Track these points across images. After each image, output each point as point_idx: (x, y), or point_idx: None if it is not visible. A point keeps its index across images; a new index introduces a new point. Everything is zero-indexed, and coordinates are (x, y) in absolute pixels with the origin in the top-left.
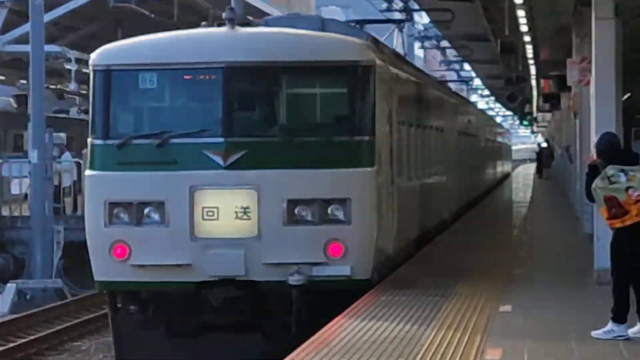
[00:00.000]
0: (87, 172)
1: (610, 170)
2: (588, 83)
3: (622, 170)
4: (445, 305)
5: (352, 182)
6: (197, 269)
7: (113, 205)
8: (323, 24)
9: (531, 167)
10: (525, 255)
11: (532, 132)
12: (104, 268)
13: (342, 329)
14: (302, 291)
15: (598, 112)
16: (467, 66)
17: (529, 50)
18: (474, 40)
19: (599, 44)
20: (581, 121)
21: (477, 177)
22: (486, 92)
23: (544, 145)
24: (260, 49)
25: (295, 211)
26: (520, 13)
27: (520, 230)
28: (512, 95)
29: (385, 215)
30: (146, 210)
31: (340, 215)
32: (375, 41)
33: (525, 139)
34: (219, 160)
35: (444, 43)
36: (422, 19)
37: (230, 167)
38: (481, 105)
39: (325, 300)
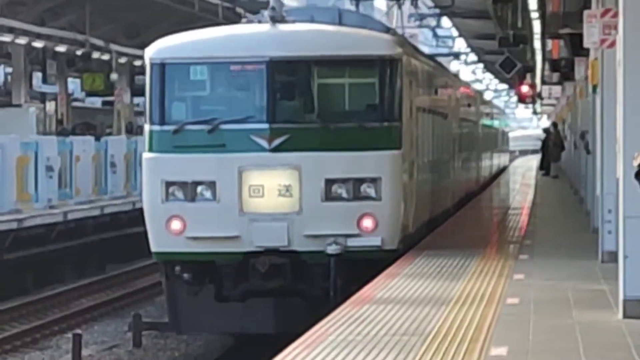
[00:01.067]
0: (145, 155)
1: None
2: (613, 45)
3: None
4: (468, 270)
5: (381, 163)
6: (245, 241)
7: (169, 184)
8: (340, 15)
9: (533, 161)
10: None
11: (535, 113)
12: (160, 240)
13: (379, 290)
14: (338, 260)
15: (628, 85)
16: (446, 21)
17: None
18: None
19: None
20: (603, 97)
21: (457, 175)
22: (472, 57)
23: (551, 129)
24: (300, 45)
25: (332, 189)
26: None
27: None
28: (508, 61)
29: (408, 192)
30: (199, 189)
31: (371, 192)
32: (396, 34)
33: (525, 123)
34: (264, 143)
35: None
36: None
37: (274, 149)
38: (465, 75)
39: (358, 267)
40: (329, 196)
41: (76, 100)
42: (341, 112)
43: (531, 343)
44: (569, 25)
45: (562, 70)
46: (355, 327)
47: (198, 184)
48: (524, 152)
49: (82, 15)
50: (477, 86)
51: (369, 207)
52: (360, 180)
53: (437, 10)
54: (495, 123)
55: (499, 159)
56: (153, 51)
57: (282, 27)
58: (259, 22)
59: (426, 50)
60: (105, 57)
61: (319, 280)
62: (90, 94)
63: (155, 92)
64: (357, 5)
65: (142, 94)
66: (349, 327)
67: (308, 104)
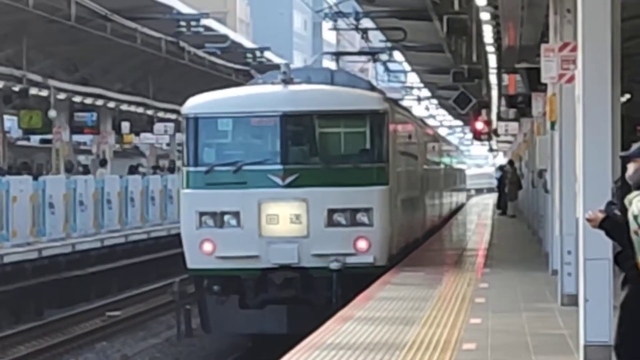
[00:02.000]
0: (183, 190)
1: None
2: (572, 79)
3: None
4: (422, 314)
5: (373, 196)
6: (263, 259)
7: (202, 213)
8: (332, 75)
9: (489, 200)
10: None
11: (490, 150)
12: (195, 259)
13: (330, 335)
14: (338, 274)
15: (588, 121)
16: (398, 55)
17: (488, 32)
18: (408, 18)
19: (588, 23)
20: (562, 134)
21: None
22: (425, 92)
23: (508, 167)
24: (306, 102)
25: (333, 217)
26: None
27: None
28: (463, 96)
29: (393, 220)
30: (226, 217)
31: (365, 220)
32: (378, 90)
33: (480, 160)
34: (278, 181)
35: (366, 22)
36: None
37: (286, 186)
38: (418, 111)
39: (355, 280)
40: (330, 223)
41: (19, 139)
42: (339, 155)
43: None
44: (526, 59)
45: (519, 106)
46: None
47: (225, 213)
48: (479, 191)
49: (19, 50)
50: (431, 122)
51: (363, 232)
52: (356, 210)
53: (389, 44)
54: (455, 162)
55: (457, 197)
56: (188, 107)
57: (291, 87)
58: (272, 83)
59: (378, 85)
60: (44, 93)
61: (323, 291)
62: (27, 131)
63: (190, 141)
64: (337, 61)
65: (82, 131)
66: None
67: (313, 149)
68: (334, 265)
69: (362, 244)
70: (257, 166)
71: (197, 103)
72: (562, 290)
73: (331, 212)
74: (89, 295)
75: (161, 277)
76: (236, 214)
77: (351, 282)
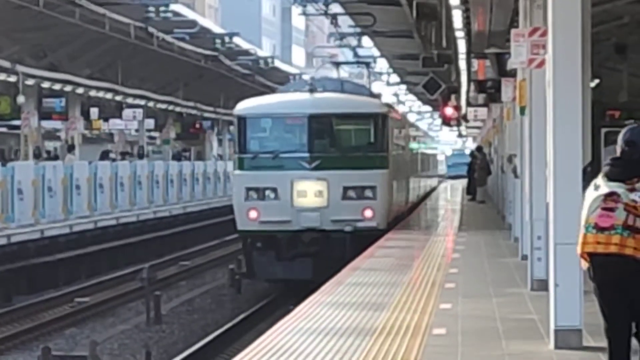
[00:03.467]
0: (235, 172)
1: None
2: (542, 64)
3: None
4: (392, 300)
5: (376, 177)
6: (294, 223)
7: (248, 189)
8: (342, 84)
9: (459, 186)
10: None
11: (460, 135)
12: (243, 223)
13: (300, 320)
14: (351, 235)
15: (557, 107)
16: (367, 41)
17: (457, 17)
18: (377, 3)
19: (559, 8)
20: (532, 119)
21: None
22: (394, 77)
23: (476, 153)
24: (327, 105)
25: (347, 192)
26: None
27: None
28: (432, 81)
29: (391, 195)
30: (267, 192)
31: (370, 195)
32: (376, 95)
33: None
34: (306, 165)
35: (335, 7)
36: None
37: (312, 169)
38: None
39: (363, 239)
40: (345, 197)
41: None
42: (351, 146)
43: None
44: (496, 44)
45: (488, 92)
46: None
47: (266, 189)
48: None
49: None
50: (400, 108)
51: (368, 204)
52: (364, 187)
53: (358, 30)
54: (430, 150)
55: (431, 181)
56: (238, 110)
57: (316, 95)
58: (301, 91)
59: (346, 71)
60: (12, 79)
61: (339, 247)
62: None
63: (240, 134)
64: (337, 69)
65: (50, 117)
66: (269, 359)
67: (331, 141)
68: (347, 228)
69: (368, 213)
70: (290, 154)
71: (245, 106)
72: (532, 276)
73: (345, 188)
74: (57, 281)
75: (130, 263)
76: (274, 190)
77: (359, 241)
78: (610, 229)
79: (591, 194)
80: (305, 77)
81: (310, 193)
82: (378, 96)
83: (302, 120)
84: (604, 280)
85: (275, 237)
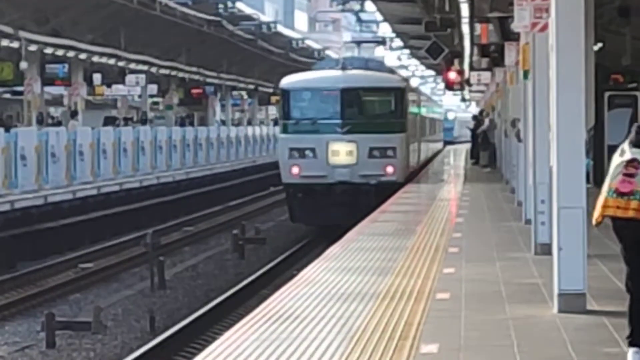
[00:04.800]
0: (280, 135)
1: None
2: (545, 28)
3: None
4: (395, 265)
5: (396, 139)
6: (329, 177)
7: (291, 149)
8: (367, 62)
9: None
10: None
11: (463, 100)
12: (287, 177)
13: (303, 285)
14: (375, 187)
15: (560, 70)
16: (370, 5)
17: None
18: None
19: None
20: (535, 83)
21: None
22: (397, 42)
23: (480, 117)
24: (355, 80)
25: (372, 152)
26: None
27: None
28: (435, 46)
29: (407, 154)
30: (306, 152)
31: (391, 154)
32: (394, 71)
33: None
34: (339, 130)
35: None
36: None
37: (344, 133)
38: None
39: (385, 191)
40: (370, 156)
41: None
42: (375, 114)
43: (463, 339)
44: (498, 8)
45: (492, 56)
46: (278, 325)
47: (306, 149)
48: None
49: None
50: (403, 72)
51: (390, 162)
52: (385, 148)
53: None
54: (437, 115)
55: (437, 144)
56: (283, 83)
57: (347, 72)
58: (334, 69)
59: (349, 34)
60: (15, 45)
61: (366, 197)
62: None
63: (285, 104)
64: (358, 46)
65: (53, 83)
66: (272, 324)
67: (359, 110)
68: (372, 182)
69: (389, 169)
70: (326, 120)
71: (289, 81)
72: (535, 240)
73: (371, 149)
74: (61, 247)
75: (134, 229)
76: (313, 150)
77: (382, 192)
78: (629, 195)
79: (616, 159)
80: (334, 55)
81: (342, 153)
82: (394, 71)
83: (335, 93)
84: (625, 242)
85: (313, 188)
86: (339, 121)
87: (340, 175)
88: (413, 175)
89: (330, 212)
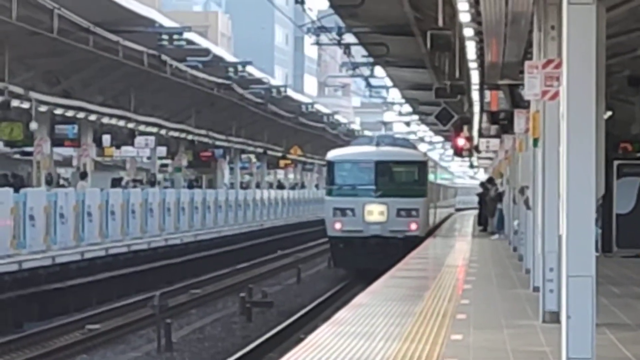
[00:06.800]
0: (326, 197)
1: None
2: (556, 96)
3: None
4: (403, 330)
5: (419, 202)
6: (365, 231)
7: (335, 208)
8: (394, 139)
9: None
10: None
11: (471, 166)
12: (331, 231)
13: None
14: (402, 240)
15: (572, 139)
16: (379, 71)
17: (471, 48)
18: (391, 33)
19: (573, 40)
20: (545, 151)
21: None
22: (407, 107)
23: (488, 185)
24: (387, 155)
25: (400, 212)
26: None
27: None
28: (445, 112)
29: (427, 214)
30: (347, 211)
31: (415, 214)
32: (416, 147)
33: (458, 178)
34: (373, 194)
35: (349, 37)
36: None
37: (377, 196)
38: (399, 127)
39: (410, 243)
40: (398, 215)
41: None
42: (402, 182)
43: None
44: (509, 76)
45: (501, 123)
46: None
47: (347, 209)
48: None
49: (1, 62)
50: (411, 137)
51: (413, 220)
52: (410, 209)
53: (371, 59)
54: (447, 182)
55: (448, 208)
56: (330, 156)
57: (380, 147)
58: (369, 145)
59: (358, 99)
60: (25, 105)
61: (394, 248)
62: (8, 143)
63: (330, 172)
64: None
65: (63, 143)
66: None
67: (390, 178)
68: (399, 236)
69: (413, 226)
70: (363, 186)
71: (334, 154)
72: (543, 307)
73: (398, 209)
74: (68, 308)
75: (141, 291)
76: (352, 209)
77: (407, 243)
78: None
79: None
80: (369, 134)
81: (375, 212)
82: (416, 146)
83: (370, 165)
84: None
85: (352, 240)
86: (373, 187)
87: (374, 230)
88: (431, 231)
89: (365, 259)
